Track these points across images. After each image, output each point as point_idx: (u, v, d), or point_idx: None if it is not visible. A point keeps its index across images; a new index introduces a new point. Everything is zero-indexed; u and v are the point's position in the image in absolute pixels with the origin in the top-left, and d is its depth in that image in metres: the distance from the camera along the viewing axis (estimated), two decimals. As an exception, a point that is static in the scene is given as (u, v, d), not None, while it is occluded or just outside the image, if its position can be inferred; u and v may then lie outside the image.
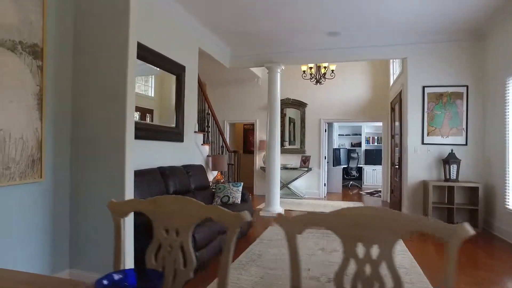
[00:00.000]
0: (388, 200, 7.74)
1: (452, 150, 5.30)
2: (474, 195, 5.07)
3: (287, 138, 8.75)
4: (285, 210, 6.36)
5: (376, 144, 11.28)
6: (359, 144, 11.45)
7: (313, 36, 5.57)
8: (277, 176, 6.10)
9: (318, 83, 7.28)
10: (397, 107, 6.92)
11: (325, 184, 8.48)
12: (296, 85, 8.48)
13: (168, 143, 4.21)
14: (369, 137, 11.40)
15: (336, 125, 10.89)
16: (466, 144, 5.42)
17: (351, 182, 10.73)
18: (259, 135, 8.86)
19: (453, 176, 5.23)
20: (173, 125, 4.38)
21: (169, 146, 4.25)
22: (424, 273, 3.25)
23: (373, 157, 11.02)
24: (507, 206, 4.55)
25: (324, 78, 7.24)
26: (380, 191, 9.49)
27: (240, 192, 4.61)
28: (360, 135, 11.41)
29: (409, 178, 5.58)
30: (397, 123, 6.94)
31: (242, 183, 4.77)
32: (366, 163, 11.03)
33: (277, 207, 6.06)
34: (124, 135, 2.55)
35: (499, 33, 4.83)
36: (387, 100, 7.92)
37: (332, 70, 7.18)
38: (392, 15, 4.70)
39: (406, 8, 4.45)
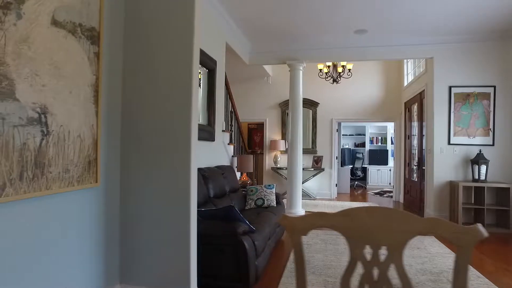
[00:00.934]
0: (401, 201, 7.67)
1: (480, 151, 5.23)
2: (504, 196, 5.01)
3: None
4: (306, 212, 6.17)
5: (380, 144, 11.26)
6: (363, 145, 11.40)
7: (339, 34, 5.39)
8: (299, 177, 5.90)
9: (335, 82, 7.13)
10: (415, 107, 6.84)
11: (336, 184, 8.34)
12: (308, 84, 8.28)
13: (201, 142, 3.92)
14: (373, 137, 11.36)
15: (341, 124, 10.78)
16: (493, 145, 5.37)
17: (356, 182, 10.66)
18: (269, 135, 8.63)
19: (482, 176, 5.16)
20: (206, 123, 4.10)
21: (203, 145, 3.96)
22: (484, 276, 3.11)
23: (377, 157, 10.99)
24: (542, 207, 4.50)
25: (340, 77, 7.09)
26: (387, 191, 9.45)
27: (274, 194, 4.38)
28: (364, 135, 11.36)
29: (435, 179, 5.48)
30: (415, 123, 6.86)
31: (275, 185, 4.53)
32: (370, 163, 10.99)
33: (299, 208, 5.86)
34: (190, 133, 2.27)
35: None
36: (400, 100, 7.85)
37: (349, 69, 7.04)
38: (421, 14, 4.59)
39: (436, 7, 4.34)
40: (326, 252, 3.82)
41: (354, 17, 4.76)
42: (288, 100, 8.37)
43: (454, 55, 5.50)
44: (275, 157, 8.35)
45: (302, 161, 5.96)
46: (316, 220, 1.02)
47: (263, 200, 4.28)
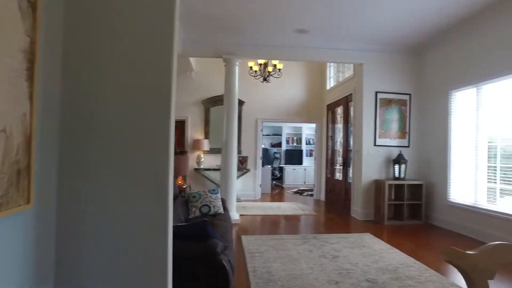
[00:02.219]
0: (323, 199, 8.00)
1: (400, 152, 5.73)
2: (418, 192, 5.58)
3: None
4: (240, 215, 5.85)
5: (295, 144, 11.66)
6: (279, 145, 11.64)
7: (279, 31, 5.24)
8: (233, 179, 5.54)
9: (265, 81, 6.99)
10: (340, 110, 7.17)
11: (260, 185, 8.24)
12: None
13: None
14: (288, 138, 11.71)
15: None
16: (408, 146, 5.94)
17: (274, 182, 10.81)
18: (192, 133, 8.03)
19: (402, 175, 5.65)
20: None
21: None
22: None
23: (292, 157, 11.36)
24: (449, 200, 5.13)
25: (270, 76, 7.00)
26: (304, 190, 9.81)
27: (220, 200, 3.93)
28: (281, 135, 11.62)
29: (363, 178, 5.80)
30: (339, 125, 7.19)
31: (219, 189, 4.08)
32: (286, 163, 11.28)
33: (234, 212, 5.50)
34: (169, 126, 1.71)
35: (437, 52, 5.53)
36: (323, 102, 8.19)
37: (280, 69, 7.00)
38: (355, 22, 4.83)
39: (367, 16, 4.60)
40: (282, 259, 3.57)
41: (295, 16, 4.68)
42: (213, 97, 7.96)
43: (380, 63, 5.91)
44: (198, 158, 7.81)
45: (236, 161, 5.62)
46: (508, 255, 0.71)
47: (209, 207, 3.79)
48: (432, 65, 5.68)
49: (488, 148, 4.56)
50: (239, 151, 7.98)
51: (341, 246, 4.05)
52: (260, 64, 6.73)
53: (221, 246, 2.15)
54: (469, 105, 4.88)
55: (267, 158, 11.22)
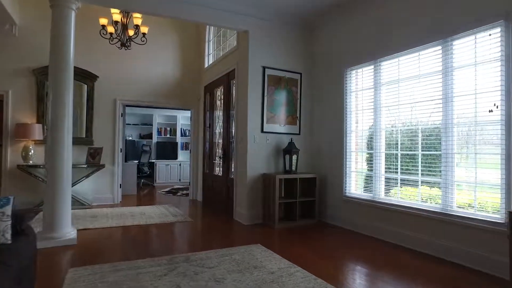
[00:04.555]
0: (200, 199, 6.69)
1: (291, 140, 4.87)
2: (310, 187, 4.82)
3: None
4: (78, 230, 4.01)
5: (169, 136, 10.02)
6: (149, 136, 9.81)
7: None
8: (67, 179, 3.68)
9: (124, 47, 5.22)
10: (219, 91, 5.97)
11: (120, 185, 6.39)
12: (82, 47, 5.92)
13: None
14: (160, 128, 9.98)
15: (125, 110, 8.72)
16: (299, 134, 5.15)
17: (143, 180, 8.96)
18: (14, 115, 5.59)
19: (293, 167, 4.79)
20: None
21: None
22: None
23: (165, 150, 9.71)
24: (345, 194, 4.50)
25: (131, 41, 5.27)
26: (179, 189, 8.33)
27: (10, 217, 2.16)
28: (151, 125, 9.81)
29: (248, 172, 4.71)
30: (218, 110, 5.98)
31: (12, 198, 2.28)
32: (158, 158, 9.56)
33: (69, 228, 3.66)
34: None
35: (331, 27, 4.89)
36: (200, 84, 6.86)
37: (144, 34, 5.34)
38: None
39: None
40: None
41: None
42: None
43: (269, 34, 4.92)
44: (26, 150, 5.46)
45: (71, 155, 3.77)
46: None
47: (-17, 233, 1.99)
48: (326, 41, 5.00)
49: (387, 134, 4.03)
50: (89, 142, 5.98)
51: (224, 271, 2.79)
52: (116, 22, 4.93)
53: None
54: (366, 84, 4.30)
55: (135, 151, 9.27)
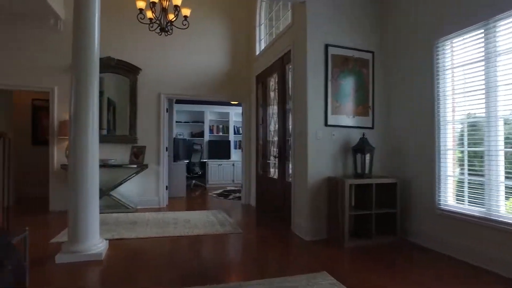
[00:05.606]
0: (253, 204, 5.93)
1: (364, 135, 3.86)
2: (390, 195, 3.76)
3: (105, 124, 5.63)
4: (111, 241, 3.47)
5: (221, 134, 9.47)
6: (201, 134, 9.34)
7: None
8: (93, 183, 3.13)
9: (164, 33, 4.63)
10: (272, 80, 5.14)
11: (166, 187, 5.88)
12: (122, 37, 5.52)
13: None
14: (212, 126, 9.46)
15: (173, 108, 8.30)
16: (372, 128, 4.11)
17: (193, 181, 8.49)
18: (60, 113, 5.35)
19: (367, 170, 3.78)
20: None
21: None
22: None
23: (218, 149, 9.16)
24: (439, 206, 3.38)
25: (172, 26, 4.67)
26: (231, 191, 7.68)
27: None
28: (203, 122, 9.32)
29: (309, 175, 3.81)
30: (273, 102, 5.15)
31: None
32: (210, 157, 9.04)
33: (96, 239, 3.10)
34: None
35: None
36: (251, 74, 6.10)
37: (185, 17, 4.70)
38: None
39: None
40: None
41: None
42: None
43: (331, 2, 3.97)
44: (67, 148, 5.16)
45: (97, 154, 3.21)
46: None
47: None
48: (407, 6, 3.88)
49: (508, 125, 2.85)
50: (133, 140, 5.55)
51: (279, 320, 1.94)
52: (154, 4, 4.35)
53: None
54: (470, 57, 3.14)
55: (186, 151, 8.85)
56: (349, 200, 3.58)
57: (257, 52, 5.86)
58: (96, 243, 3.08)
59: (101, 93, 5.64)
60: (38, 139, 6.64)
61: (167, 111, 5.89)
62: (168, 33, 4.63)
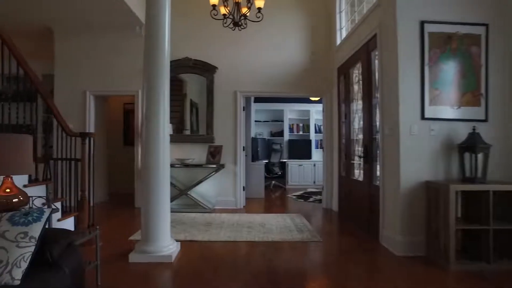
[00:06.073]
0: (335, 209, 5.41)
1: (474, 129, 3.08)
2: (511, 205, 2.92)
3: (188, 125, 5.74)
4: (183, 242, 3.40)
5: (301, 133, 9.07)
6: (280, 133, 9.08)
7: None
8: (164, 183, 3.07)
9: (237, 27, 4.46)
10: (355, 71, 4.58)
11: (243, 187, 5.74)
12: (198, 37, 5.55)
13: None
14: (292, 125, 9.12)
15: (252, 106, 8.20)
16: (486, 120, 3.28)
17: (273, 182, 8.27)
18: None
19: (479, 173, 3.00)
20: None
21: None
22: None
23: (298, 149, 8.78)
24: None
25: (246, 20, 4.47)
26: (312, 193, 7.23)
27: (33, 244, 1.46)
28: (282, 121, 9.05)
29: (402, 178, 3.19)
30: (357, 95, 4.58)
31: (49, 210, 1.61)
32: (290, 157, 8.72)
33: (167, 241, 3.04)
34: None
35: None
36: (331, 67, 5.59)
37: (259, 9, 4.45)
38: None
39: None
40: None
41: None
42: (176, 60, 5.48)
43: (429, -33, 3.28)
44: (152, 149, 5.38)
45: (168, 153, 3.15)
46: None
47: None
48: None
49: None
50: (210, 139, 5.54)
51: None
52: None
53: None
54: None
55: (266, 150, 8.69)
56: (455, 210, 2.87)
57: (338, 42, 5.32)
58: (166, 245, 3.01)
59: (184, 96, 5.79)
60: (128, 140, 7.17)
61: (243, 110, 5.75)
62: (242, 27, 4.46)
